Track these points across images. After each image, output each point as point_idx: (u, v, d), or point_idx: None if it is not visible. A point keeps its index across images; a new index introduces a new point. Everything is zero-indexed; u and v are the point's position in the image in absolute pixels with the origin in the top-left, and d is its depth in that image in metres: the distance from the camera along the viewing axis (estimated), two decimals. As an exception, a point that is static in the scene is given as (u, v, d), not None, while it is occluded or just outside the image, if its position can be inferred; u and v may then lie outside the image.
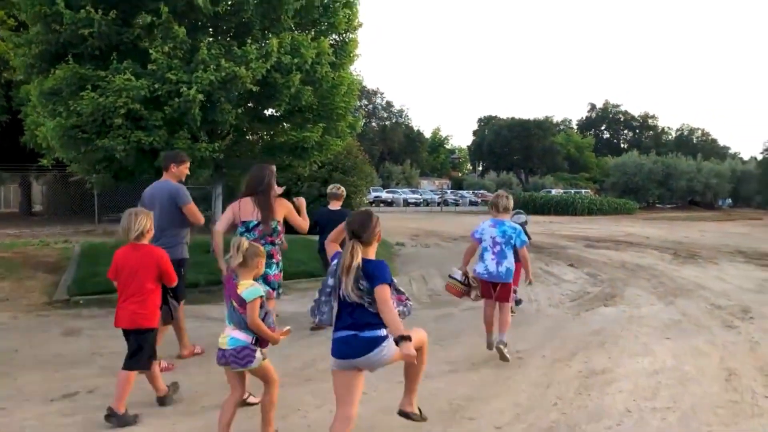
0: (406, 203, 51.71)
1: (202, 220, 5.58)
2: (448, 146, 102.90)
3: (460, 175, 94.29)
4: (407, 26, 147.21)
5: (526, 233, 6.58)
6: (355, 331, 3.28)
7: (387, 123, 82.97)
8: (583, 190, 58.71)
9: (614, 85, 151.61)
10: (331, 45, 11.38)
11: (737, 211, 55.69)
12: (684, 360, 5.78)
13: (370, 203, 40.58)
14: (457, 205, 55.75)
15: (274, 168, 5.25)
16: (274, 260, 5.09)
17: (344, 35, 11.93)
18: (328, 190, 7.44)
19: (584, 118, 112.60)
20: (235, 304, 3.65)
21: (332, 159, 20.35)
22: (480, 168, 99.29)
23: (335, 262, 3.44)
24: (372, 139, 78.53)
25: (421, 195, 56.33)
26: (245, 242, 3.69)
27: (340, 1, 11.34)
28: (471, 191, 67.99)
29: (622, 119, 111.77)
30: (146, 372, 4.32)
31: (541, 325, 7.29)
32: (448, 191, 66.93)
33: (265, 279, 4.86)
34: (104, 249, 12.38)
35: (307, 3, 10.94)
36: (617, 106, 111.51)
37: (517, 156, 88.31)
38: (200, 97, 9.49)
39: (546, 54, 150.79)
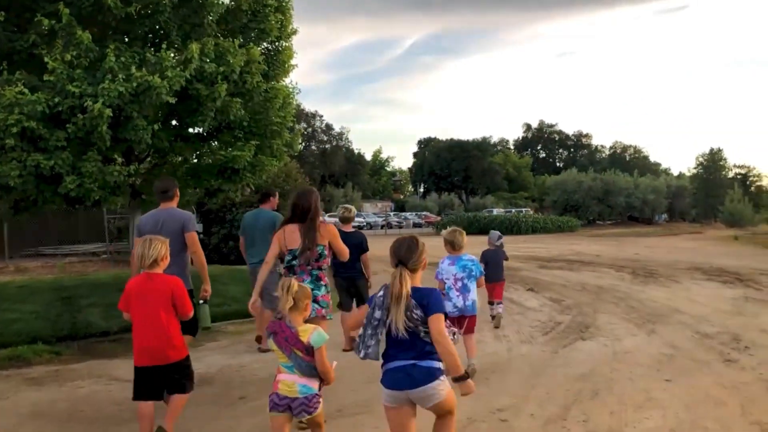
0: (350, 227, 50.38)
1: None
2: (389, 168, 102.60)
3: (402, 197, 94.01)
4: (345, 45, 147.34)
5: (505, 256, 8.93)
6: (414, 360, 3.11)
7: (327, 146, 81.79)
8: (523, 209, 58.94)
9: (548, 105, 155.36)
10: (263, 53, 10.18)
11: (675, 225, 56.90)
12: (700, 412, 4.75)
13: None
14: (401, 227, 55.01)
15: (317, 193, 5.07)
16: (323, 282, 4.96)
17: (277, 43, 10.74)
18: (339, 214, 7.17)
19: (520, 138, 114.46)
20: (298, 352, 3.49)
21: (269, 182, 19.16)
22: (422, 190, 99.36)
23: (381, 293, 3.26)
24: (312, 162, 77.34)
25: (364, 218, 55.26)
26: (295, 284, 3.58)
27: (271, 5, 10.15)
28: (414, 213, 67.61)
29: (557, 138, 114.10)
30: (173, 401, 4.09)
31: (518, 370, 6.18)
32: (392, 214, 66.39)
33: (315, 300, 4.60)
34: (10, 289, 10.76)
35: (233, 7, 9.76)
36: (552, 125, 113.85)
37: (458, 177, 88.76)
38: (108, 112, 8.12)
39: (482, 75, 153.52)
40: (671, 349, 6.90)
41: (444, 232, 5.96)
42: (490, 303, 8.34)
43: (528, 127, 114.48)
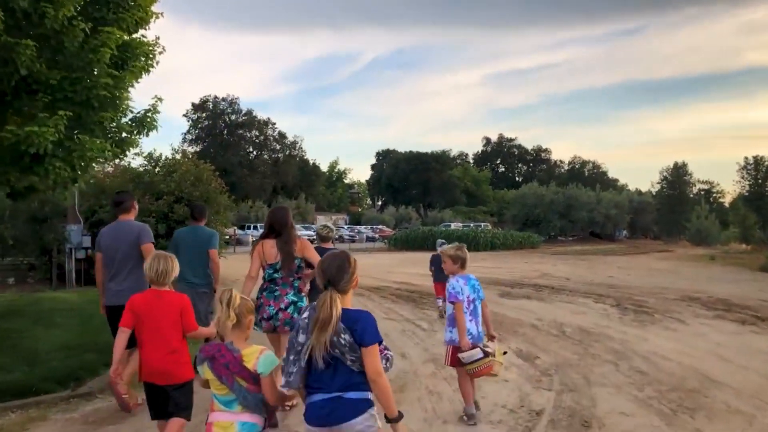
0: (297, 240, 47.01)
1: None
2: (346, 180, 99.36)
3: (359, 210, 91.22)
4: (307, 57, 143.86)
5: None
6: (339, 392, 2.74)
7: (280, 155, 78.03)
8: (482, 224, 56.19)
9: (507, 119, 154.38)
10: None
11: (638, 242, 54.75)
12: None
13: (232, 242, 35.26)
14: (353, 241, 51.66)
15: (290, 210, 5.37)
16: (302, 293, 5.11)
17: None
18: (320, 232, 7.05)
19: (480, 152, 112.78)
20: (243, 381, 2.93)
21: (173, 187, 15.50)
22: (379, 203, 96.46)
23: (305, 315, 2.86)
24: (263, 172, 73.44)
25: (314, 232, 51.47)
26: (237, 296, 3.04)
27: None
28: (369, 226, 64.47)
29: (516, 153, 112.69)
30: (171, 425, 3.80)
31: None
32: (345, 227, 63.30)
33: (299, 312, 4.65)
34: None
35: None
36: (511, 140, 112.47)
37: (416, 190, 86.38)
38: None
39: (442, 90, 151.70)
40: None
41: (447, 247, 5.35)
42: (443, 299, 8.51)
43: (487, 140, 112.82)
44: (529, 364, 6.95)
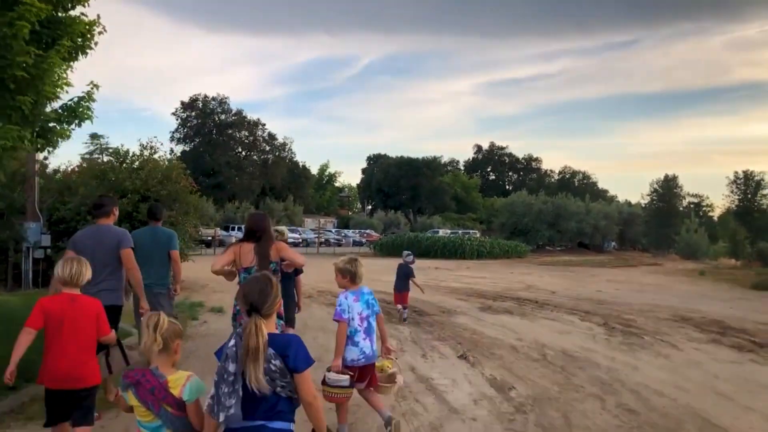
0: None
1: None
2: (337, 184, 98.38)
3: (349, 213, 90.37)
4: (302, 61, 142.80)
5: (412, 272, 11.17)
6: (263, 420, 2.67)
7: (269, 156, 76.96)
8: (470, 231, 55.44)
9: (499, 128, 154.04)
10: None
11: (626, 254, 54.09)
12: None
13: (204, 244, 34.56)
14: (339, 245, 50.78)
15: (269, 217, 5.49)
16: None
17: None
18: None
19: (471, 159, 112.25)
20: (169, 408, 2.82)
21: (138, 185, 14.56)
22: (369, 207, 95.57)
23: (232, 343, 2.70)
24: (252, 173, 72.31)
25: (300, 234, 50.78)
26: (165, 319, 2.90)
27: None
28: (356, 231, 63.64)
29: (507, 161, 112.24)
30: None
31: None
32: (333, 230, 62.48)
33: (278, 315, 4.54)
34: None
35: None
36: (502, 148, 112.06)
37: (406, 195, 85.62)
38: None
39: (436, 96, 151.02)
40: None
41: (339, 261, 4.89)
42: (402, 306, 10.98)
43: (479, 148, 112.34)
44: (502, 396, 6.09)
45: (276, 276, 4.97)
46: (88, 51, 6.87)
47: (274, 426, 2.66)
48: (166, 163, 15.66)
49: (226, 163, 68.23)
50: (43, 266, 14.49)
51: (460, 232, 53.01)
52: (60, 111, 6.60)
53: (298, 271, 6.52)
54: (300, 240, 48.33)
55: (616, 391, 6.42)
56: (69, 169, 16.88)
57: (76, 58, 6.77)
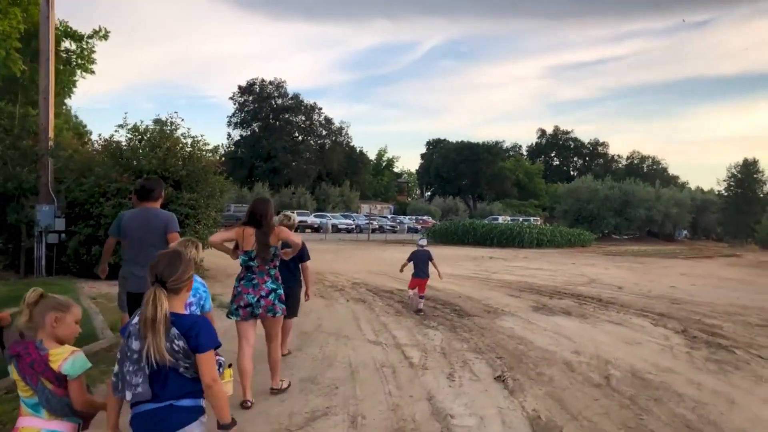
0: (336, 229, 45.41)
1: None
2: (395, 169, 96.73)
3: (408, 199, 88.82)
4: (363, 47, 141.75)
5: (431, 255, 10.48)
6: (171, 400, 2.58)
7: (326, 141, 75.95)
8: (531, 218, 52.95)
9: (564, 112, 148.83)
10: None
11: (700, 243, 50.51)
12: None
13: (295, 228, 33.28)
14: (394, 231, 49.30)
15: (272, 202, 5.47)
16: (279, 281, 5.31)
17: None
18: (279, 220, 6.37)
19: (534, 144, 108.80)
20: (47, 383, 2.68)
21: (155, 165, 13.33)
22: (428, 193, 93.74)
23: (135, 320, 2.63)
24: (308, 158, 71.50)
25: (353, 220, 49.70)
26: (36, 293, 2.75)
27: None
28: (413, 217, 62.03)
29: (572, 146, 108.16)
30: None
31: None
32: (389, 216, 61.16)
33: (279, 299, 5.18)
34: None
35: None
36: (567, 132, 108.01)
37: (465, 181, 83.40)
38: None
39: (499, 80, 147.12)
40: None
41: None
42: (419, 295, 10.29)
43: (543, 132, 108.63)
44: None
45: (273, 262, 5.24)
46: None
47: (183, 404, 2.59)
48: (189, 142, 14.41)
49: (282, 147, 67.65)
50: (57, 252, 13.51)
51: (520, 219, 50.68)
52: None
53: (303, 257, 6.52)
54: (353, 226, 47.26)
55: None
56: (91, 148, 15.92)
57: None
